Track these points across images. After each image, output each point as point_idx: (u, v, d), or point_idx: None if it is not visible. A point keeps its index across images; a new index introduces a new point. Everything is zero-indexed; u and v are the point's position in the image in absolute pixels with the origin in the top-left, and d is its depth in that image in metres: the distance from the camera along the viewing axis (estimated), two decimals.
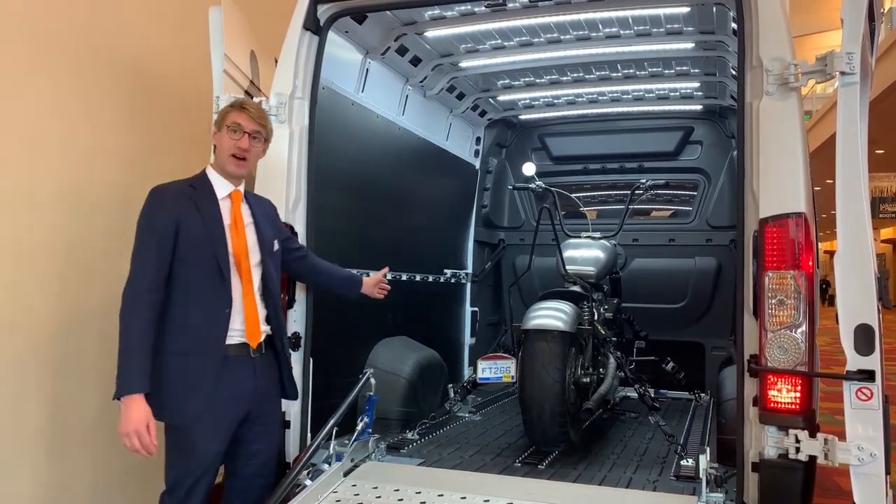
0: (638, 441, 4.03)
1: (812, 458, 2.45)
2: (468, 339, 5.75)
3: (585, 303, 4.05)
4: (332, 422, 3.06)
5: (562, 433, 3.58)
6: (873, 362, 2.39)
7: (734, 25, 3.57)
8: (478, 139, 5.81)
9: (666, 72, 4.74)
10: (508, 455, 3.67)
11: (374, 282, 3.33)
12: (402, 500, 2.80)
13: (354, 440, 3.18)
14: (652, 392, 4.26)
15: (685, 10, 3.75)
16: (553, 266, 4.49)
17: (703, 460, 2.81)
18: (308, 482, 2.89)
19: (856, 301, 2.43)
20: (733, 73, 4.29)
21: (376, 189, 4.25)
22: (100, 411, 3.55)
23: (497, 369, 3.99)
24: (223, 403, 2.53)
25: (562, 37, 4.20)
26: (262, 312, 2.68)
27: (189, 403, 2.47)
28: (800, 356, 2.51)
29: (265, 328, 2.69)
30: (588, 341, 4.01)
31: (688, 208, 5.73)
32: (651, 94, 5.24)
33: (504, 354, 4.08)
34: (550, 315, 3.67)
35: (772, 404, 2.52)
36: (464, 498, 2.81)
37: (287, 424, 3.08)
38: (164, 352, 2.47)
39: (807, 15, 17.70)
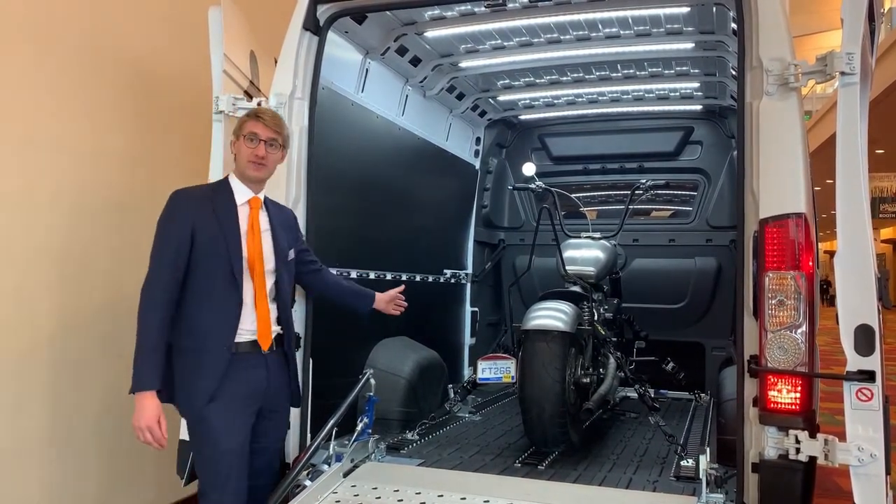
0: (638, 441, 4.03)
1: (812, 459, 2.45)
2: (468, 340, 5.74)
3: (585, 303, 4.05)
4: (331, 422, 3.05)
5: (562, 433, 3.58)
6: (873, 363, 2.39)
7: (734, 25, 3.57)
8: (478, 139, 5.81)
9: (666, 72, 4.74)
10: (508, 455, 3.66)
11: (388, 298, 3.27)
12: (401, 500, 2.80)
13: (354, 441, 3.18)
14: (652, 392, 4.26)
15: (685, 10, 3.75)
16: (553, 266, 4.48)
17: (703, 461, 2.81)
18: (308, 483, 2.89)
19: (856, 301, 2.43)
20: (733, 73, 4.29)
21: (376, 189, 4.25)
22: (101, 411, 3.55)
23: (497, 369, 3.98)
24: (239, 399, 2.58)
25: (562, 37, 4.20)
26: (273, 315, 2.73)
27: (194, 395, 2.53)
28: (800, 357, 2.50)
29: (276, 328, 2.74)
30: (588, 341, 4.01)
31: (688, 208, 5.72)
32: (651, 95, 5.24)
33: (504, 355, 4.08)
34: (550, 315, 3.67)
35: (772, 405, 2.52)
36: (463, 499, 2.81)
37: (287, 425, 3.07)
38: (177, 348, 2.56)
39: (807, 15, 17.70)
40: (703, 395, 5.20)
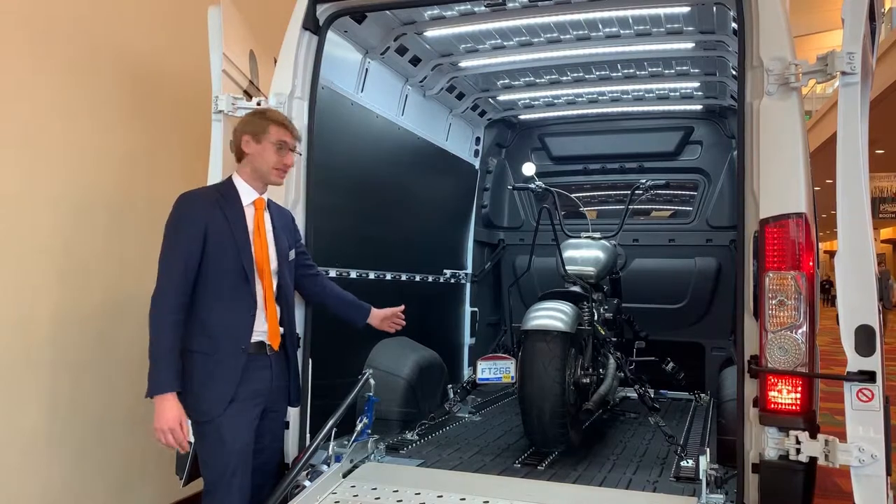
0: (638, 442, 4.02)
1: (812, 460, 2.44)
2: (468, 340, 5.74)
3: (585, 303, 4.05)
4: (331, 422, 3.05)
5: (561, 434, 3.58)
6: (874, 363, 2.38)
7: (734, 25, 3.57)
8: (477, 139, 5.81)
9: (666, 72, 4.74)
10: (508, 456, 3.66)
11: (385, 315, 3.19)
12: (401, 501, 2.80)
13: (353, 441, 3.17)
14: (652, 392, 4.26)
15: (685, 9, 3.74)
16: (553, 266, 4.48)
17: (703, 461, 2.80)
18: (307, 483, 2.89)
19: (856, 302, 2.42)
20: (733, 73, 4.28)
21: (376, 189, 4.24)
22: (100, 411, 3.55)
23: (497, 370, 3.98)
24: (247, 398, 2.59)
25: (562, 36, 4.19)
26: (277, 315, 2.74)
27: (213, 400, 2.53)
28: (800, 357, 2.50)
29: (280, 329, 2.74)
30: (588, 342, 4.00)
31: (688, 208, 5.72)
32: (651, 94, 5.23)
33: (504, 355, 4.07)
34: (550, 315, 3.67)
35: (772, 405, 2.52)
36: (463, 499, 2.81)
37: (286, 425, 3.07)
38: (190, 351, 2.54)
39: (807, 15, 17.68)
40: (703, 395, 5.20)
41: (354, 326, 3.18)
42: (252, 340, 2.62)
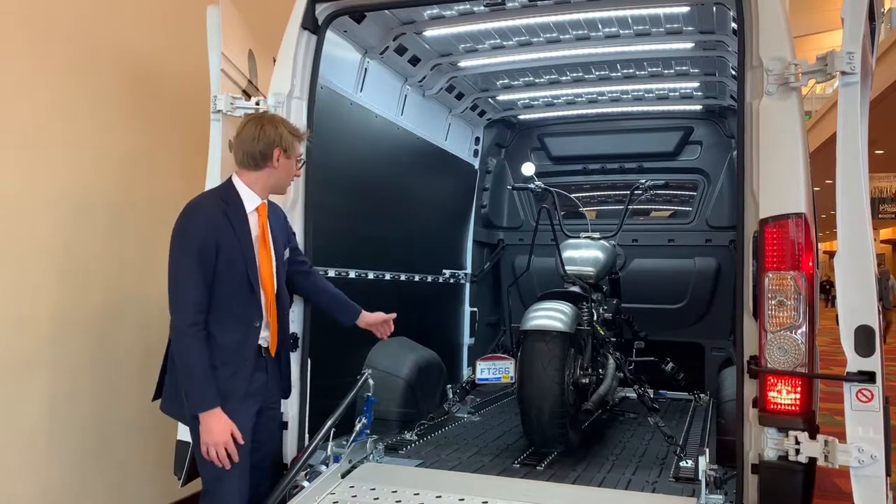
0: (637, 442, 4.02)
1: (812, 460, 2.44)
2: (467, 340, 5.74)
3: (584, 303, 4.04)
4: (329, 423, 3.05)
5: (561, 434, 3.57)
6: (874, 364, 2.38)
7: (734, 25, 3.56)
8: (477, 139, 5.80)
9: (665, 72, 4.73)
10: (507, 456, 3.66)
11: (375, 320, 3.11)
12: (399, 501, 2.80)
13: (352, 441, 3.17)
14: (651, 393, 4.25)
15: (685, 9, 3.74)
16: (552, 266, 4.48)
17: (703, 462, 2.80)
18: (305, 483, 2.89)
19: (856, 302, 2.42)
20: (733, 73, 4.28)
21: (375, 189, 4.24)
22: (100, 411, 3.55)
23: (496, 370, 3.97)
24: (244, 398, 2.59)
25: (561, 36, 4.19)
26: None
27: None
28: (800, 357, 2.50)
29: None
30: (587, 342, 4.00)
31: (687, 209, 5.72)
32: (651, 94, 5.23)
33: (503, 355, 4.07)
34: (549, 316, 3.66)
35: (771, 406, 2.51)
36: (462, 499, 2.80)
37: (285, 425, 3.07)
38: None
39: (807, 15, 17.68)
40: (702, 395, 5.19)
41: (342, 326, 3.15)
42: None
